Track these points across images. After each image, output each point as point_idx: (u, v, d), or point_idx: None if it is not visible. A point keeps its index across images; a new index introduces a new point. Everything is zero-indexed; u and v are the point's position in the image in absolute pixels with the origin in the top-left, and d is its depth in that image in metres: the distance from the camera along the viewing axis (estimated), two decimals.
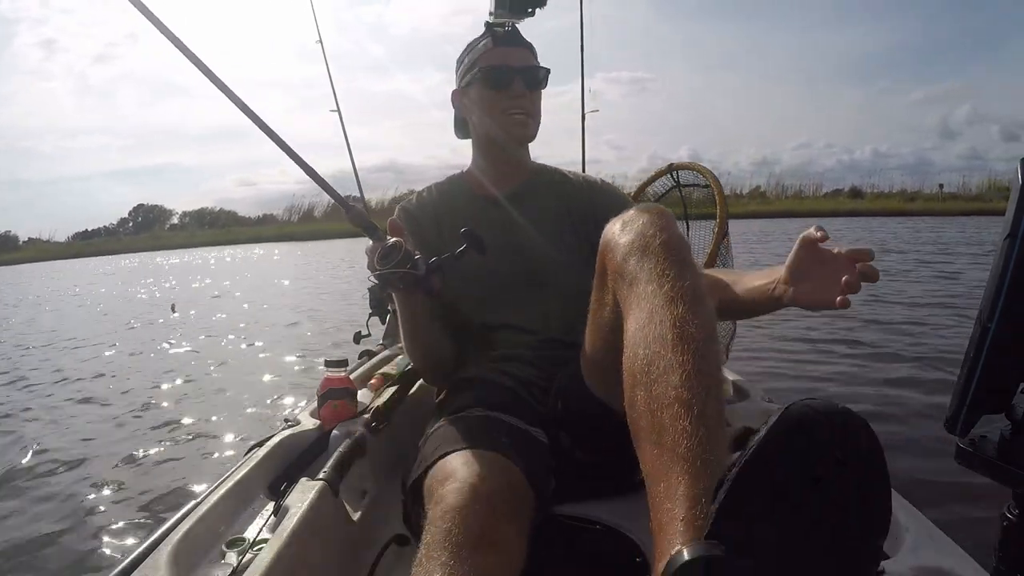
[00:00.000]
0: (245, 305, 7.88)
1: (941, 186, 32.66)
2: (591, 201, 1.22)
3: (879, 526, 0.44)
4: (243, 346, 5.04)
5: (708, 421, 0.54)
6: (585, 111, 2.90)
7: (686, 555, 0.43)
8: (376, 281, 0.93)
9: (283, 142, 0.97)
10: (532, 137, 1.20)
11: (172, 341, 5.51)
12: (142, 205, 46.79)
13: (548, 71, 1.19)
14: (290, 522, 0.81)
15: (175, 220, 45.67)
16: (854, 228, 16.94)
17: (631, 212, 0.79)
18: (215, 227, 40.96)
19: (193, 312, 7.59)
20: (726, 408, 0.97)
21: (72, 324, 7.30)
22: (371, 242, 0.94)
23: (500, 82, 1.13)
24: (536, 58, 1.18)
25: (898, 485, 0.87)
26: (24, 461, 2.67)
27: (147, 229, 42.97)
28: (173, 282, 12.65)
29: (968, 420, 0.60)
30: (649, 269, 0.69)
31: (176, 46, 0.89)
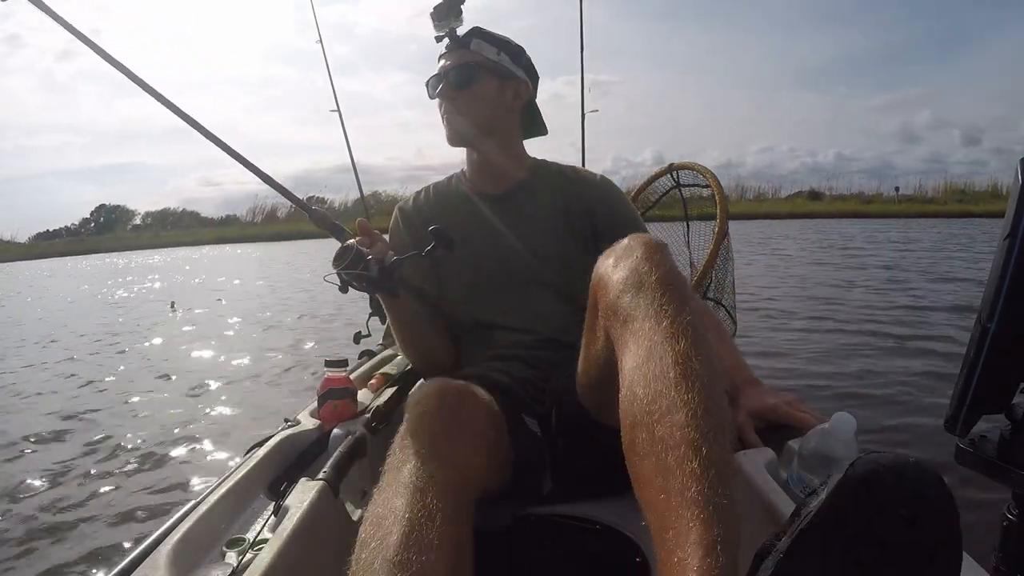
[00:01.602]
0: (240, 304, 7.87)
1: (897, 189, 34.08)
2: (588, 199, 1.21)
3: None
4: (242, 346, 5.04)
5: (718, 463, 0.51)
6: (585, 111, 2.90)
7: None
8: (332, 282, 0.94)
9: (239, 154, 0.98)
10: (463, 136, 1.19)
11: (170, 339, 5.51)
12: (104, 205, 46.59)
13: (488, 64, 1.15)
14: (290, 522, 0.81)
15: (137, 221, 45.72)
16: (807, 230, 17.26)
17: (624, 245, 0.76)
18: (178, 228, 40.97)
19: (192, 310, 7.59)
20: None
21: (66, 321, 7.29)
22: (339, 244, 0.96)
23: (431, 91, 1.19)
24: (483, 52, 1.15)
25: None
26: (23, 461, 2.67)
27: (109, 230, 42.78)
28: (162, 282, 12.65)
29: (968, 420, 0.60)
30: (645, 306, 0.66)
31: (114, 65, 0.89)
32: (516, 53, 1.20)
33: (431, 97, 1.20)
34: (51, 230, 45.06)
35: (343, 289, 0.94)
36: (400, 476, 0.67)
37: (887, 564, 0.38)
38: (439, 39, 1.19)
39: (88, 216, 46.18)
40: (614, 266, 0.74)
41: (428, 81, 1.20)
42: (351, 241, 0.93)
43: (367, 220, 1.00)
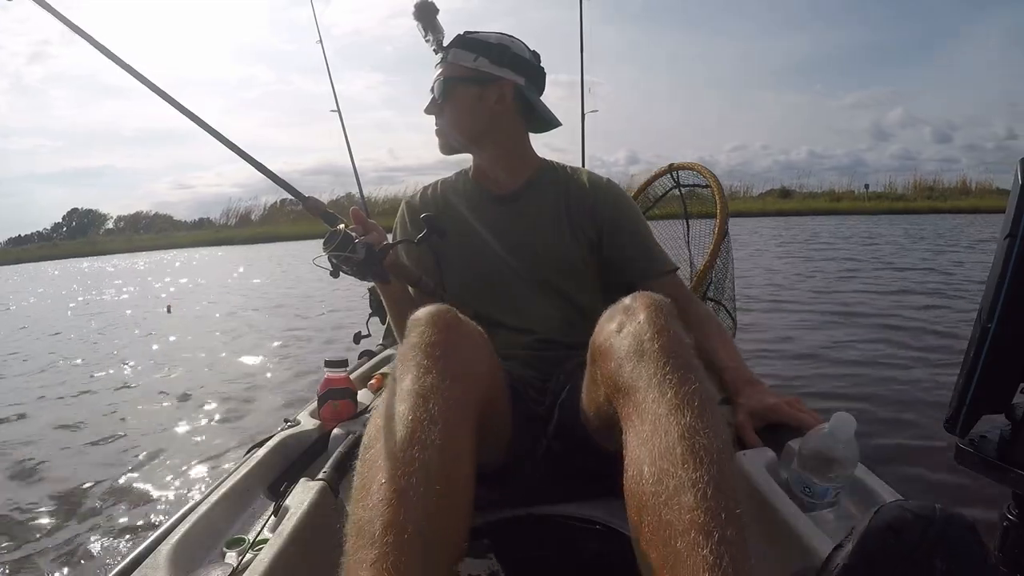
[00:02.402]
0: (235, 305, 7.87)
1: (867, 186, 33.85)
2: (592, 201, 1.21)
3: None
4: (240, 345, 5.04)
5: (731, 548, 0.48)
6: (585, 111, 2.90)
7: None
8: (321, 266, 0.95)
9: (236, 145, 0.98)
10: (446, 150, 1.23)
11: (168, 340, 5.51)
12: (76, 209, 45.71)
13: (464, 75, 1.15)
14: (290, 522, 0.81)
15: (110, 225, 44.97)
16: (778, 227, 17.52)
17: (625, 306, 0.73)
18: (151, 231, 40.43)
19: (187, 312, 7.58)
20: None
21: (59, 323, 7.30)
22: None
23: (428, 104, 1.22)
24: (460, 62, 1.16)
25: (897, 485, 0.87)
26: (22, 460, 2.67)
27: (82, 234, 42.05)
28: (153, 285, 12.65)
29: (968, 420, 0.60)
30: (648, 376, 0.63)
31: (116, 61, 0.89)
32: (497, 53, 1.16)
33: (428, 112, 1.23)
34: (23, 235, 44.22)
35: (334, 273, 0.94)
36: (403, 385, 0.67)
37: None
38: (436, 52, 1.21)
39: (60, 220, 45.54)
40: (616, 331, 0.71)
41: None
42: (340, 226, 0.94)
43: (364, 213, 1.00)
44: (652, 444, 0.57)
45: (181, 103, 0.92)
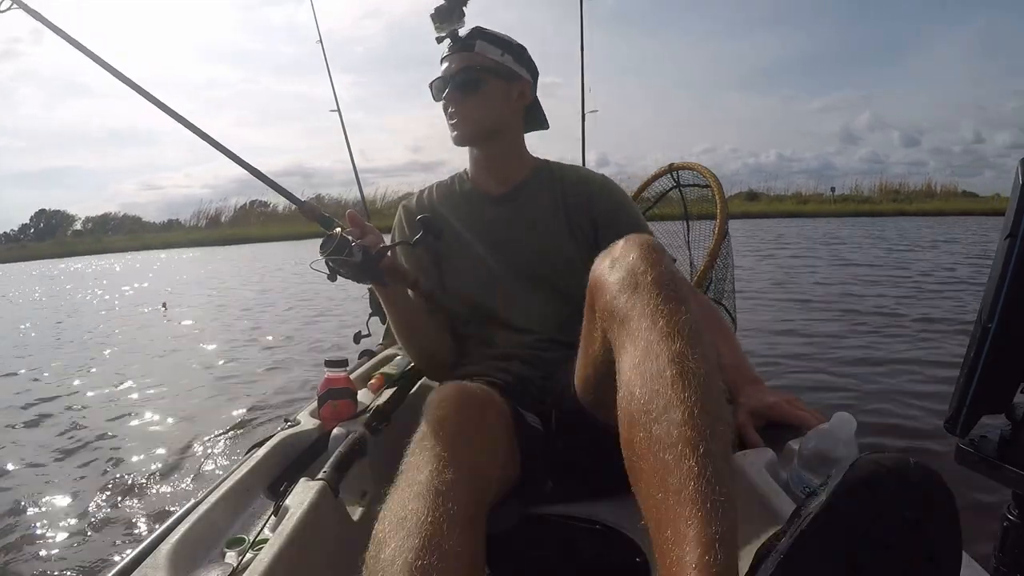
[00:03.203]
0: (230, 304, 7.86)
1: (833, 189, 34.60)
2: (589, 199, 1.21)
3: None
4: (239, 345, 5.04)
5: (716, 460, 0.51)
6: (585, 111, 2.90)
7: None
8: (319, 270, 0.95)
9: (231, 151, 0.98)
10: (470, 139, 1.19)
11: (165, 339, 5.51)
12: (44, 210, 45.10)
13: (491, 66, 1.16)
14: (290, 522, 0.81)
15: (78, 226, 44.34)
16: (744, 229, 17.84)
17: (619, 247, 0.76)
18: (120, 233, 39.93)
19: (183, 310, 7.58)
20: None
21: (62, 327, 7.31)
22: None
23: (436, 94, 1.19)
24: (487, 54, 1.15)
25: None
26: (22, 460, 2.68)
27: (50, 235, 41.42)
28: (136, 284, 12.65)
29: (968, 420, 0.60)
30: (642, 306, 0.66)
31: (102, 65, 0.90)
32: (518, 52, 1.19)
33: (436, 100, 1.19)
34: None
35: (331, 277, 0.95)
36: (419, 477, 0.67)
37: (887, 565, 0.38)
38: (440, 40, 1.18)
39: (28, 221, 44.75)
40: (610, 267, 0.74)
41: (432, 83, 1.19)
42: (337, 229, 0.94)
43: (360, 216, 1.00)
44: (644, 368, 0.60)
45: (170, 106, 0.93)
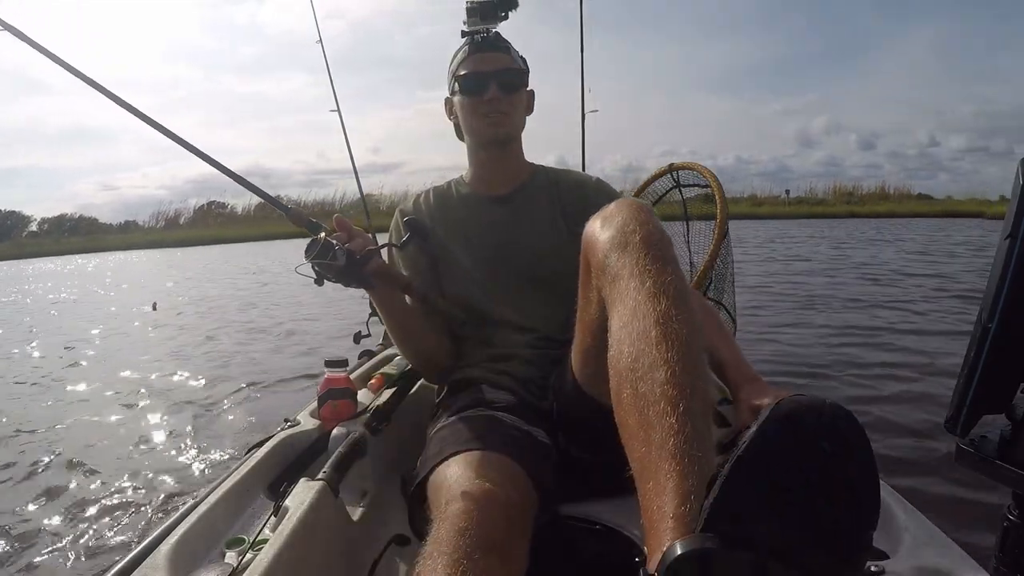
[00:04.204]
0: (222, 304, 7.86)
1: (787, 192, 35.28)
2: (586, 200, 1.22)
3: (868, 518, 0.45)
4: (238, 345, 5.04)
5: (695, 418, 0.54)
6: (585, 111, 2.90)
7: (679, 549, 0.43)
8: (305, 274, 0.95)
9: (214, 159, 0.99)
10: (510, 138, 1.20)
11: (161, 339, 5.51)
12: None
13: (525, 72, 1.19)
14: (290, 522, 0.81)
15: (33, 227, 43.40)
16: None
17: (611, 207, 0.78)
18: (77, 234, 39.23)
19: (177, 310, 7.58)
20: (726, 408, 0.98)
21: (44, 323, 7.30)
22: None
23: (475, 88, 1.15)
24: (515, 60, 1.18)
25: (897, 485, 0.87)
26: (22, 460, 2.67)
27: (5, 236, 40.47)
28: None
29: (968, 420, 0.60)
30: (631, 265, 0.68)
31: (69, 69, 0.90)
32: (526, 64, 1.23)
33: (472, 95, 1.15)
34: None
35: (318, 281, 0.95)
36: None
37: (813, 492, 0.42)
38: (471, 35, 1.18)
39: None
40: (602, 226, 0.76)
41: (465, 77, 1.16)
42: (322, 234, 0.94)
43: (347, 219, 1.00)
44: (632, 327, 0.63)
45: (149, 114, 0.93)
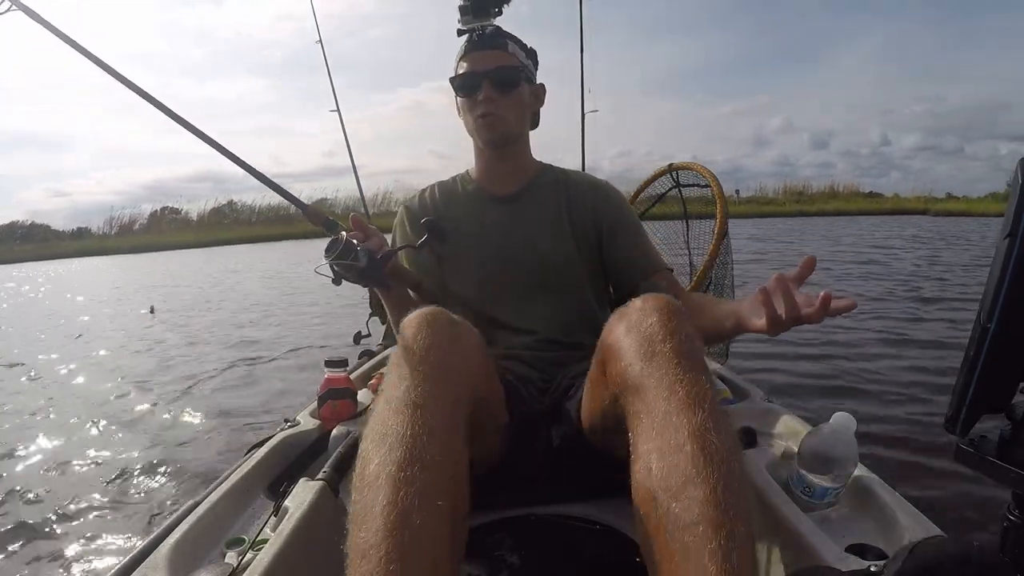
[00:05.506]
0: (218, 306, 7.85)
1: (737, 191, 35.41)
2: (591, 202, 1.22)
3: None
4: (237, 344, 5.04)
5: (740, 544, 0.48)
6: (585, 111, 2.90)
7: None
8: (323, 274, 0.94)
9: (238, 157, 0.98)
10: (505, 139, 1.17)
11: (158, 341, 5.51)
12: None
13: (523, 67, 1.16)
14: (290, 522, 0.81)
15: None
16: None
17: (636, 309, 0.72)
18: (30, 241, 37.81)
19: (173, 313, 7.56)
20: (726, 408, 0.97)
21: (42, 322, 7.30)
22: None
23: (468, 88, 1.14)
24: (515, 55, 1.15)
25: (897, 484, 0.87)
26: (21, 460, 2.67)
27: None
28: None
29: (968, 420, 0.60)
30: (659, 375, 0.63)
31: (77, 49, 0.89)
32: (535, 57, 1.20)
33: (465, 95, 1.14)
34: None
35: (336, 281, 0.94)
36: (396, 393, 0.67)
37: None
38: (466, 33, 1.16)
39: None
40: (626, 332, 0.70)
41: (458, 77, 1.15)
42: (342, 233, 0.93)
43: (364, 218, 1.00)
44: (662, 440, 0.57)
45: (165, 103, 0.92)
